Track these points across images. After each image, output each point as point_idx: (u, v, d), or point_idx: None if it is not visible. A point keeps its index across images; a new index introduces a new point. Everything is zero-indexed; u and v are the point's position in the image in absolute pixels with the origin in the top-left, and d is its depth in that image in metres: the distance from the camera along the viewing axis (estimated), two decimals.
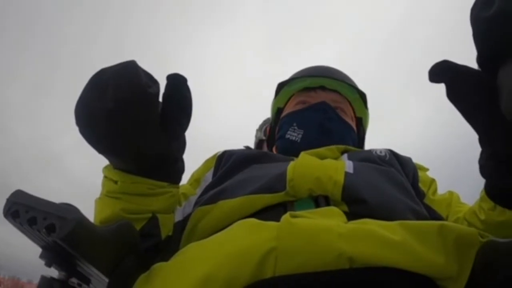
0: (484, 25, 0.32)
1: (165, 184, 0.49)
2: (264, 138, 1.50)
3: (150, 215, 0.49)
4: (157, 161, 0.47)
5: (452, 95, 0.36)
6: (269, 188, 0.50)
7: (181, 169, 0.52)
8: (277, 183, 0.50)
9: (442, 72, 0.36)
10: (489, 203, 0.44)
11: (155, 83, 0.44)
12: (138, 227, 0.47)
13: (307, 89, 0.75)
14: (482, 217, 0.45)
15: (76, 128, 0.42)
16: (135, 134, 0.42)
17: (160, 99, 0.46)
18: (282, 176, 0.51)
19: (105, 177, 0.49)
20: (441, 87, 0.37)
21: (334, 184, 0.49)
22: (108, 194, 0.47)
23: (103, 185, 0.49)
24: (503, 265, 0.30)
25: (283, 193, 0.49)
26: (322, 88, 0.74)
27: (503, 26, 0.30)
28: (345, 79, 0.76)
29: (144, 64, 0.44)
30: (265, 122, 1.59)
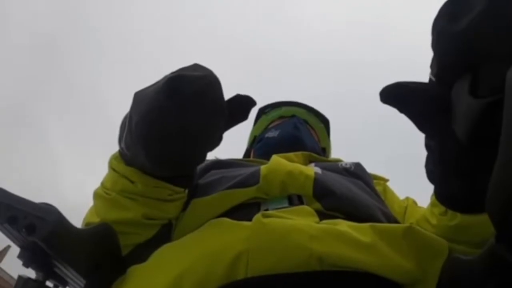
0: (451, 39, 0.30)
1: (182, 190, 0.48)
2: None
3: (166, 221, 0.48)
4: (189, 169, 0.47)
5: (402, 109, 0.37)
6: (243, 183, 0.50)
7: (196, 176, 0.52)
8: (251, 179, 0.51)
9: (391, 91, 0.37)
10: (439, 208, 0.43)
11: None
12: (152, 232, 0.46)
13: (281, 117, 0.89)
14: (434, 222, 0.45)
15: None
16: (198, 148, 0.42)
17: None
18: (256, 173, 0.52)
19: (114, 170, 0.45)
20: None
21: (305, 178, 0.50)
22: (122, 194, 0.44)
23: (114, 181, 0.45)
24: (464, 284, 0.30)
25: (255, 187, 0.49)
26: (294, 117, 0.87)
27: (471, 43, 0.29)
28: (312, 108, 0.91)
29: None
30: None
